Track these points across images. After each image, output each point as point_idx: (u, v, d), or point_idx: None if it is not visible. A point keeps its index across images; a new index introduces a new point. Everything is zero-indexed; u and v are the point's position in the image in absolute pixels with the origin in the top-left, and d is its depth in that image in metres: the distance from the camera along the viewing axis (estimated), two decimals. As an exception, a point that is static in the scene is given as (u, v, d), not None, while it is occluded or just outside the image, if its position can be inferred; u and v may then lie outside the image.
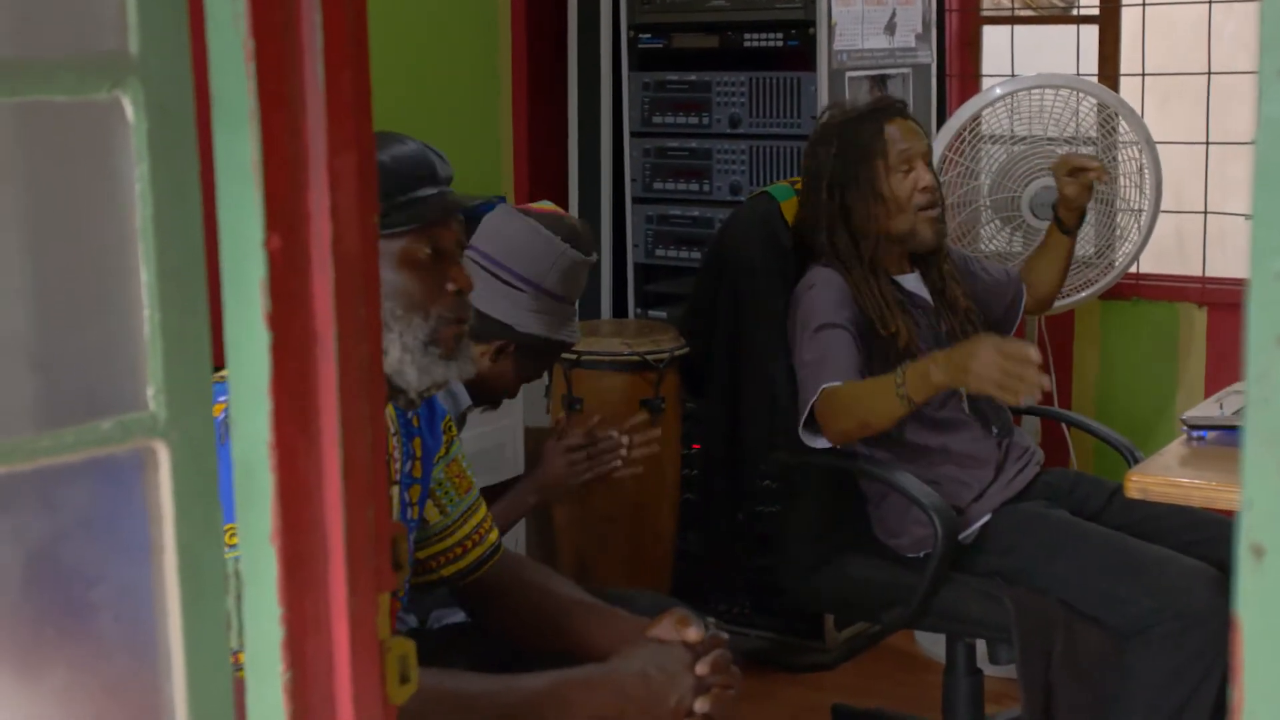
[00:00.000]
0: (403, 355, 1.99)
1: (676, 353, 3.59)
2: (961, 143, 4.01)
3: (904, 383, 2.85)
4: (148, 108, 1.14)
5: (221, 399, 1.24)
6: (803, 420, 3.03)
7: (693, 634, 2.09)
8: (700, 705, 2.04)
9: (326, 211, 1.20)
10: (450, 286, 2.04)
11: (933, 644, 4.06)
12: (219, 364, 1.21)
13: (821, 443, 3.03)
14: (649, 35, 4.22)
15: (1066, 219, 3.37)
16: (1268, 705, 0.88)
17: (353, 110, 1.22)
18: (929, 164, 3.17)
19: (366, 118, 1.25)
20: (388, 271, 1.99)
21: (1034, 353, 2.67)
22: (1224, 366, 4.00)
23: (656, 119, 4.26)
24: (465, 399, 2.77)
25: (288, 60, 1.18)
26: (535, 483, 2.91)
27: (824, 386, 2.98)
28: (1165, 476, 2.46)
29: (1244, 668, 0.89)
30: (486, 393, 2.81)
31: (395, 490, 2.10)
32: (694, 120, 4.21)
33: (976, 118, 4.01)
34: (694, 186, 4.22)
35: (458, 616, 2.50)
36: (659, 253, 4.27)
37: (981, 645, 3.18)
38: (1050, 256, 3.45)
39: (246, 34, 1.16)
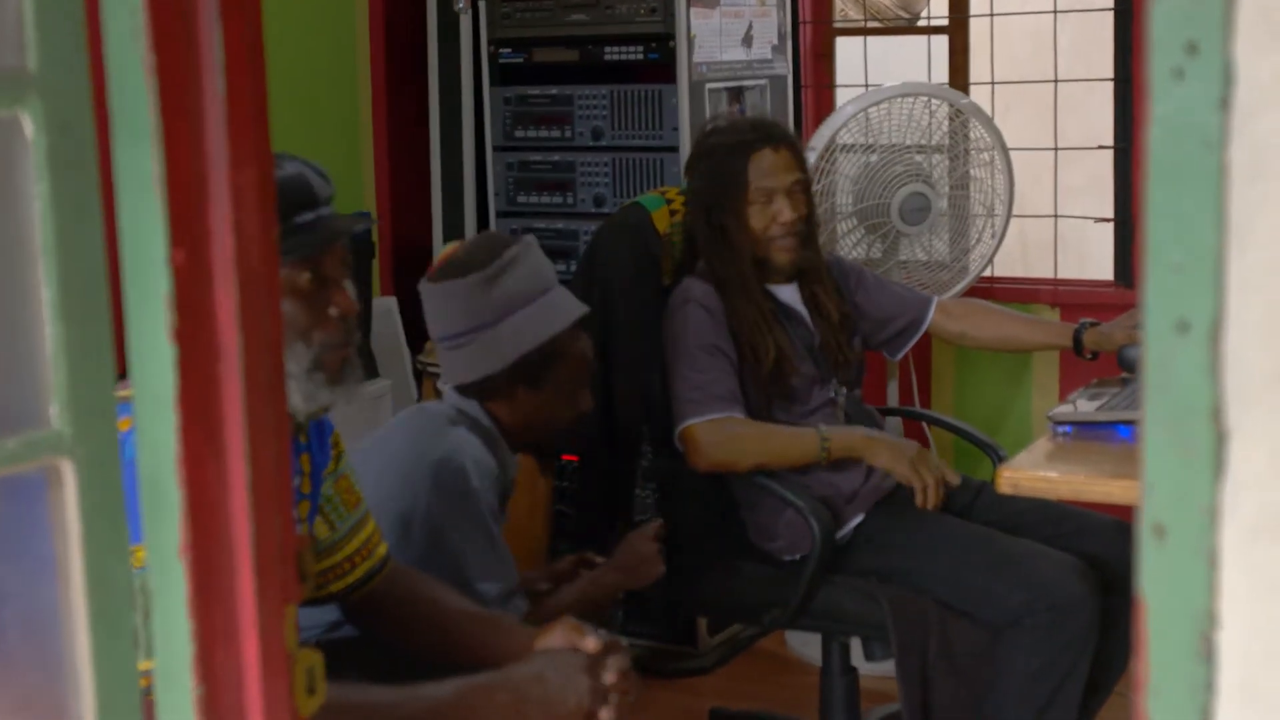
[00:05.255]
0: (287, 382, 1.98)
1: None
2: (831, 152, 4.07)
3: (828, 436, 3.08)
4: (47, 125, 1.13)
5: (124, 416, 1.24)
6: (676, 434, 3.09)
7: (590, 643, 2.11)
8: (606, 715, 2.06)
9: (229, 225, 1.21)
10: (333, 311, 2.04)
11: (804, 645, 4.12)
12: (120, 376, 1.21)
13: None
14: (509, 50, 4.23)
15: (1092, 346, 3.33)
16: (1171, 678, 0.92)
17: (253, 123, 1.23)
18: (797, 194, 3.18)
19: (265, 131, 1.26)
20: None
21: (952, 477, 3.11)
22: (1077, 365, 4.10)
23: (519, 133, 4.27)
24: (515, 464, 2.73)
25: (188, 74, 1.18)
26: (618, 564, 2.86)
27: (714, 417, 3.05)
28: (1035, 472, 2.52)
29: (1147, 643, 0.93)
30: (531, 448, 2.79)
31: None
32: (556, 134, 4.23)
33: (835, 129, 4.08)
34: (558, 199, 4.24)
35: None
36: (524, 266, 4.28)
37: (856, 644, 3.24)
38: (1038, 344, 3.54)
39: (146, 48, 1.16)
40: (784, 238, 3.17)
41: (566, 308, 2.69)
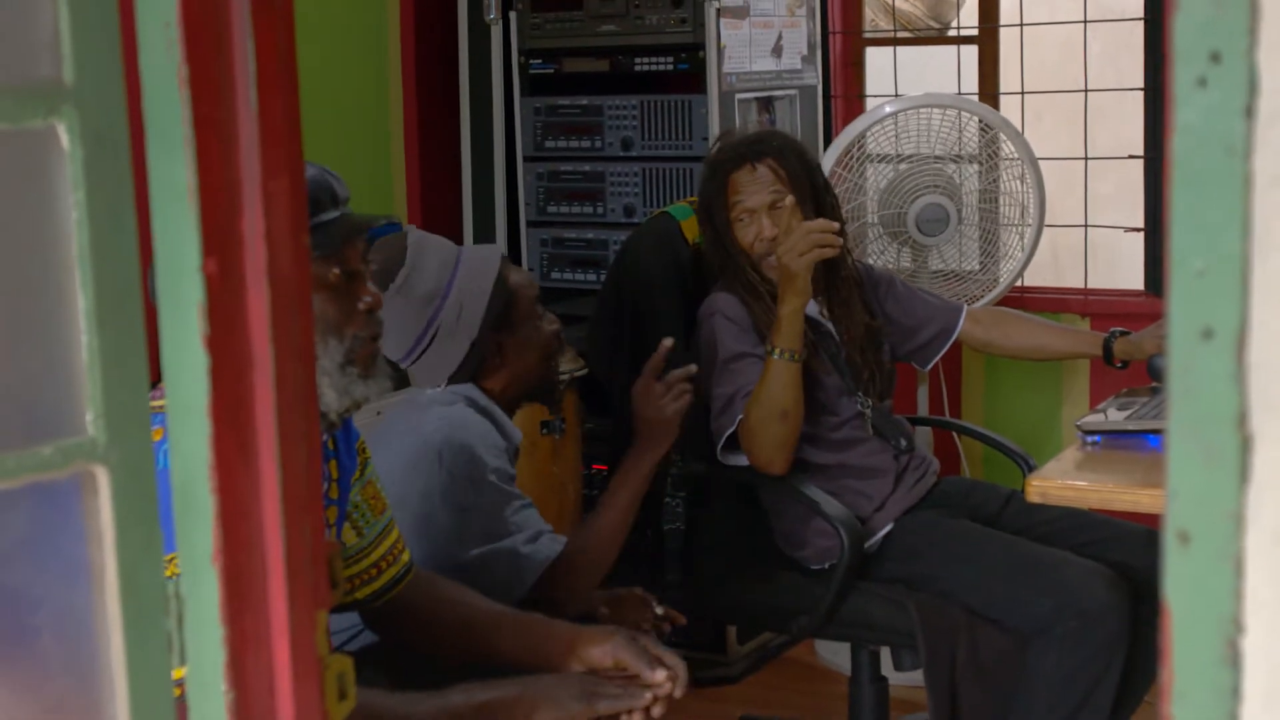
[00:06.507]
0: (320, 378, 1.99)
1: (575, 374, 3.61)
2: (850, 159, 4.07)
3: (774, 346, 3.00)
4: (83, 135, 1.15)
5: (156, 427, 1.25)
6: (720, 444, 3.10)
7: (657, 676, 2.11)
8: None
9: (261, 235, 1.22)
10: (362, 305, 2.07)
11: (833, 654, 4.12)
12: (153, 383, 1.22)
13: (744, 460, 3.09)
14: (540, 60, 4.25)
15: (1122, 355, 3.30)
16: (1196, 684, 0.93)
17: (285, 134, 1.24)
18: (781, 211, 3.11)
19: (297, 142, 1.27)
20: None
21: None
22: (1107, 374, 4.09)
23: (549, 143, 4.29)
24: (517, 434, 2.74)
25: (221, 85, 1.20)
26: (645, 441, 2.84)
27: (739, 419, 3.05)
28: (1064, 481, 2.52)
29: (1173, 649, 0.93)
30: (537, 392, 2.80)
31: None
32: (586, 144, 4.24)
33: (863, 136, 4.08)
34: (588, 209, 4.25)
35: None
36: (554, 275, 4.30)
37: (886, 653, 3.24)
38: (1068, 352, 3.53)
39: (180, 59, 1.17)
40: (769, 255, 3.14)
41: (487, 251, 2.76)
